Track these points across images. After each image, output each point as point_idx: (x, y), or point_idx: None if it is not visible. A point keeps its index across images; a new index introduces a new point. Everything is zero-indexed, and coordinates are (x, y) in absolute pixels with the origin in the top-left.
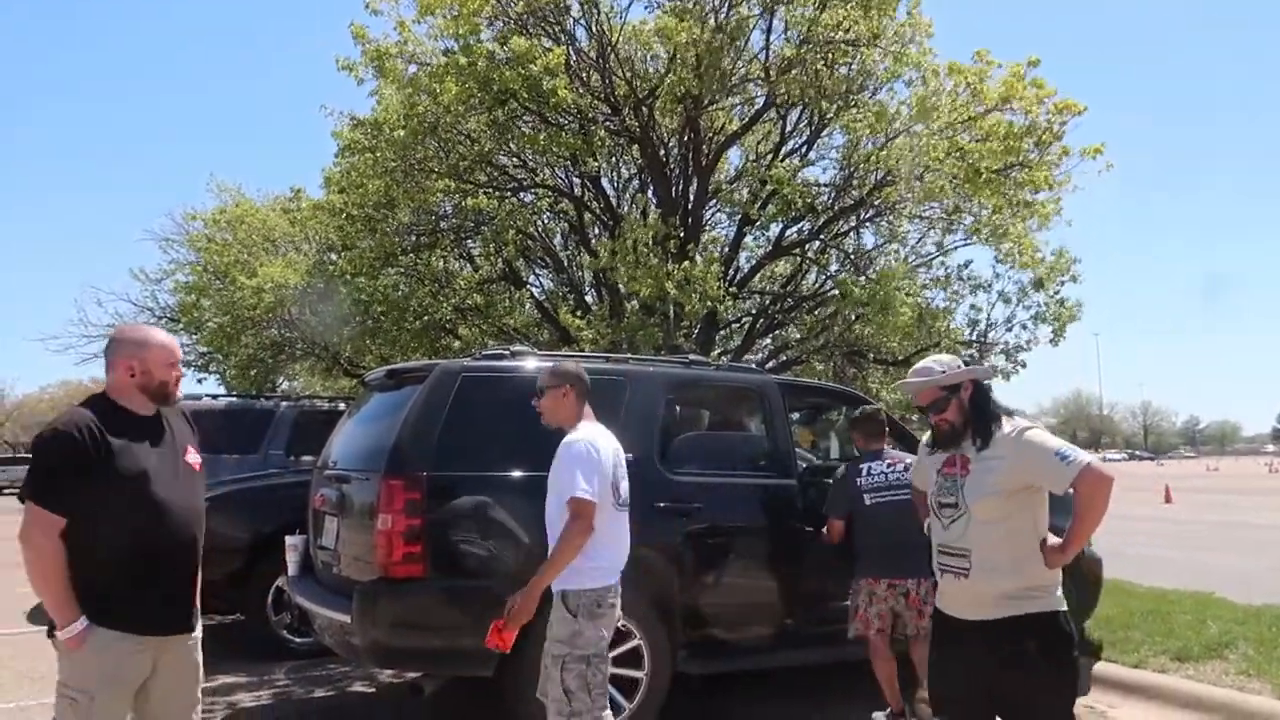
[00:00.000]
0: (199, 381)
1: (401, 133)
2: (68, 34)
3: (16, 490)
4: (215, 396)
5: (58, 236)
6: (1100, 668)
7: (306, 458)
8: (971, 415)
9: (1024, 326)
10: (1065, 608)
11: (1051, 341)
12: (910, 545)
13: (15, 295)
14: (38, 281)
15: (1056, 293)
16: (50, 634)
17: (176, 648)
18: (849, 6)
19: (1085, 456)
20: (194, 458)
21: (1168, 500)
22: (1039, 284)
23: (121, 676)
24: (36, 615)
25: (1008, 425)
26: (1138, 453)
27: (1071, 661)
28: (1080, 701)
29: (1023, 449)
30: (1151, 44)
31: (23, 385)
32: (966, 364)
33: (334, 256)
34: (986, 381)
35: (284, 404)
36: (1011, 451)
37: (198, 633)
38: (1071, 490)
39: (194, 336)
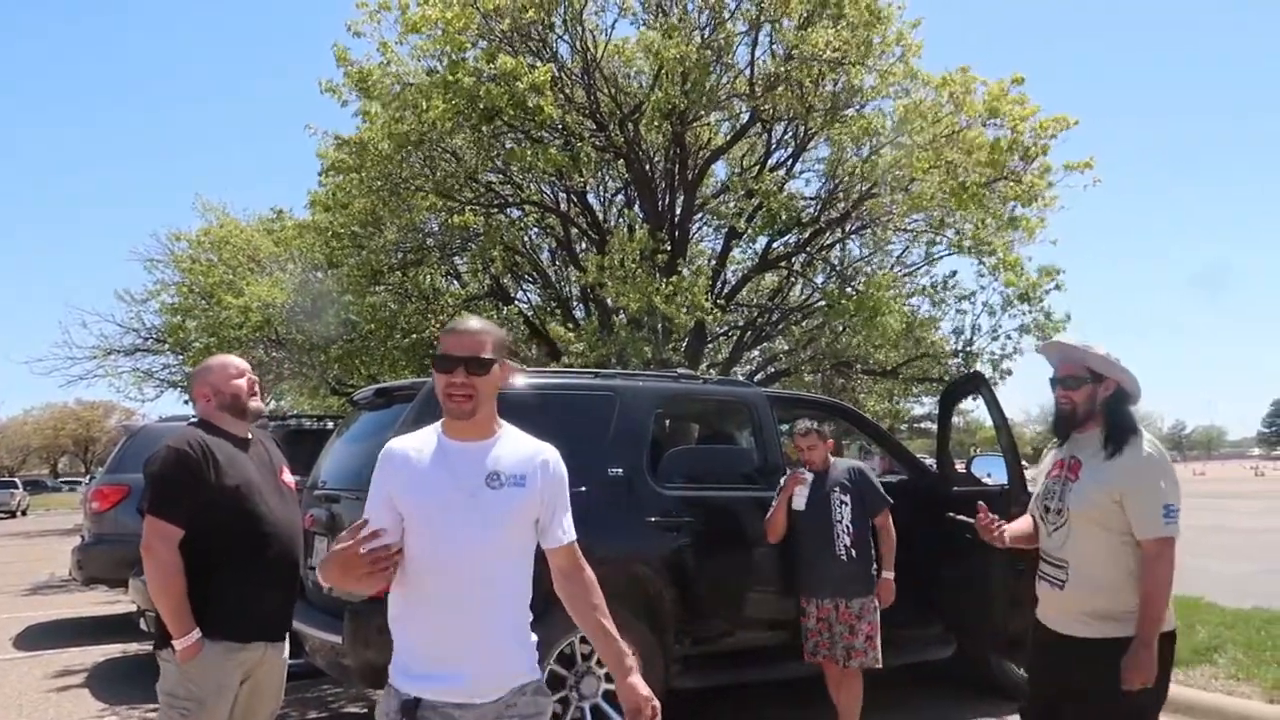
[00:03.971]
0: (185, 403)
1: (386, 145)
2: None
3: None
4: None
5: (44, 256)
6: None
7: (295, 477)
8: (1105, 416)
9: (1009, 336)
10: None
11: (1037, 350)
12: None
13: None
14: (24, 302)
15: (1041, 301)
16: (159, 647)
17: (272, 655)
18: (837, 27)
19: (1174, 530)
20: (289, 478)
21: None
22: (1024, 297)
23: (229, 684)
24: (22, 641)
25: (1147, 444)
26: None
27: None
28: None
29: (1143, 472)
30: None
31: (6, 409)
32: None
33: (320, 275)
34: (1129, 393)
35: (272, 423)
36: (1132, 467)
37: (285, 641)
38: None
39: (179, 358)
